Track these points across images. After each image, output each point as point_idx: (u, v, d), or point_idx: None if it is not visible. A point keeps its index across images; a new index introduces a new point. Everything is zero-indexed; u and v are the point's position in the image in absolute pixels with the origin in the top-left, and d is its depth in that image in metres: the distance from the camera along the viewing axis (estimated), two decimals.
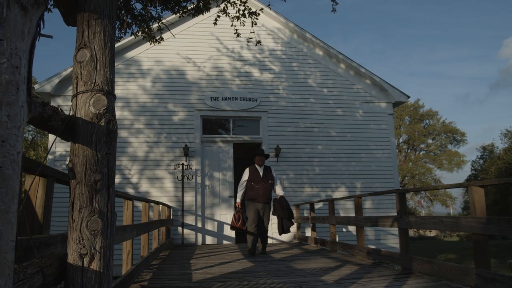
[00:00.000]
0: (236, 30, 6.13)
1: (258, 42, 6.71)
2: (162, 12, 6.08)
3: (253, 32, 6.62)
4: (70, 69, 8.70)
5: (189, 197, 8.90)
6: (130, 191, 8.62)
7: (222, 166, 9.27)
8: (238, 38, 6.43)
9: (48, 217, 2.19)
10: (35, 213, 2.10)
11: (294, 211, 7.82)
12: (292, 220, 6.63)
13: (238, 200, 6.44)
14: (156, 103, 9.25)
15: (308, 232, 8.82)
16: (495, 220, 3.04)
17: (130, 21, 5.67)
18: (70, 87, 8.73)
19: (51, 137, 9.32)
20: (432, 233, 30.72)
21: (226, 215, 8.99)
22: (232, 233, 8.94)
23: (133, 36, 6.80)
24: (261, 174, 6.34)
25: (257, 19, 6.24)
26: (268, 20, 9.94)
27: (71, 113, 1.65)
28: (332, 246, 6.82)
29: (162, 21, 6.23)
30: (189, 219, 8.82)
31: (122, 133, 8.80)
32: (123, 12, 5.46)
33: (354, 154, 9.64)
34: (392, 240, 9.16)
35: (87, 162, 1.58)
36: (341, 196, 8.54)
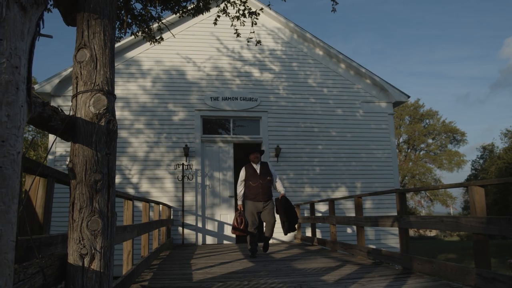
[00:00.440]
0: (236, 30, 6.13)
1: (258, 42, 6.71)
2: (162, 12, 6.09)
3: (253, 32, 6.62)
4: (70, 69, 8.70)
5: (189, 197, 8.90)
6: (130, 191, 8.63)
7: (222, 166, 9.27)
8: (238, 38, 6.43)
9: (48, 217, 2.19)
10: (35, 213, 2.10)
11: None
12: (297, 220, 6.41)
13: (239, 202, 6.20)
14: (156, 103, 9.25)
15: (309, 232, 8.82)
16: (495, 220, 3.03)
17: (130, 21, 5.68)
18: (70, 87, 8.73)
19: (51, 137, 9.33)
20: (432, 233, 30.72)
21: (226, 215, 8.99)
22: (232, 234, 8.92)
23: (133, 36, 6.80)
24: (258, 171, 6.09)
25: (257, 19, 6.24)
26: (268, 20, 9.94)
27: (71, 113, 1.65)
28: (332, 246, 6.82)
29: (162, 21, 6.23)
30: (190, 219, 8.82)
31: (122, 133, 8.81)
32: (123, 12, 5.46)
33: (354, 154, 9.64)
34: (392, 240, 9.16)
35: (87, 162, 1.58)
36: (341, 196, 8.54)
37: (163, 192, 8.83)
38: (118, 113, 8.58)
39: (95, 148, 1.60)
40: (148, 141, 9.06)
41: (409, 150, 33.23)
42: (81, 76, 1.66)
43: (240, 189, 6.16)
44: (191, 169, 9.00)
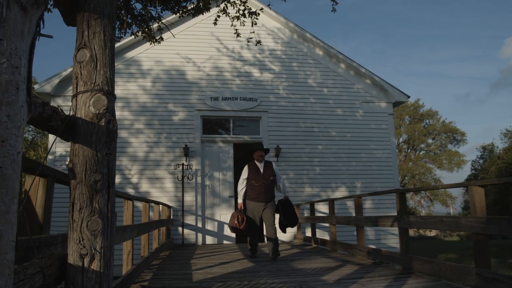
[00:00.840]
0: (236, 30, 6.13)
1: (258, 42, 6.71)
2: (162, 12, 6.09)
3: (253, 32, 6.62)
4: (70, 69, 8.70)
5: (189, 197, 8.90)
6: (130, 191, 8.63)
7: (222, 166, 9.27)
8: (238, 38, 6.42)
9: (48, 217, 2.19)
10: (35, 213, 2.10)
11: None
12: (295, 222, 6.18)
13: (240, 200, 5.94)
14: (156, 103, 9.25)
15: (309, 232, 8.82)
16: (495, 220, 3.03)
17: (130, 21, 5.67)
18: (70, 87, 8.73)
19: (51, 137, 9.32)
20: (432, 233, 30.72)
21: (226, 215, 8.99)
22: (232, 233, 8.92)
23: (133, 36, 6.80)
24: (261, 170, 5.85)
25: (257, 19, 6.24)
26: (268, 20, 9.94)
27: (71, 113, 1.65)
28: (332, 246, 6.81)
29: (162, 21, 6.22)
30: (189, 219, 8.82)
31: (122, 133, 8.81)
32: (123, 12, 5.46)
33: (354, 154, 9.65)
34: (392, 240, 9.16)
35: (87, 162, 1.58)
36: (341, 196, 8.54)
37: (163, 192, 8.83)
38: (118, 113, 8.58)
39: (95, 148, 1.60)
40: (148, 141, 9.06)
41: (409, 150, 33.23)
42: (81, 76, 1.66)
43: (242, 187, 5.93)
44: (191, 169, 9.00)
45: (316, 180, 9.42)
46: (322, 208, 9.25)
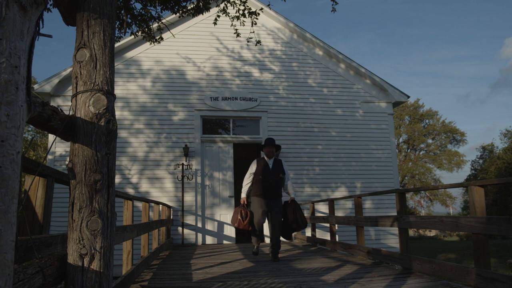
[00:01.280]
0: (236, 30, 6.13)
1: (258, 42, 6.70)
2: (162, 12, 6.08)
3: (253, 32, 6.62)
4: (69, 69, 8.70)
5: (189, 197, 8.90)
6: (130, 191, 8.62)
7: (222, 166, 9.27)
8: (238, 38, 6.42)
9: (48, 217, 2.19)
10: (35, 213, 2.10)
11: None
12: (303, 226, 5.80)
13: (244, 195, 5.59)
14: (156, 103, 9.25)
15: (308, 232, 8.82)
16: (495, 220, 3.03)
17: (130, 21, 5.67)
18: (70, 87, 8.73)
19: (51, 137, 9.32)
20: (432, 233, 30.73)
21: (226, 215, 8.99)
22: (232, 233, 8.94)
23: (133, 36, 6.80)
24: (270, 166, 5.58)
25: (257, 19, 6.24)
26: (268, 20, 9.94)
27: (70, 113, 1.65)
28: (332, 246, 6.81)
29: (162, 21, 6.22)
30: (189, 219, 8.82)
31: (122, 133, 8.81)
32: (122, 12, 5.45)
33: (354, 154, 9.65)
34: (392, 240, 9.16)
35: (87, 162, 1.58)
36: (341, 196, 8.54)
37: (163, 192, 8.83)
38: (118, 113, 8.59)
39: (95, 148, 1.60)
40: (148, 141, 9.06)
41: (409, 150, 33.25)
42: (81, 76, 1.65)
43: (247, 182, 5.64)
44: (191, 169, 8.99)
45: (316, 180, 9.42)
46: (322, 208, 9.25)
